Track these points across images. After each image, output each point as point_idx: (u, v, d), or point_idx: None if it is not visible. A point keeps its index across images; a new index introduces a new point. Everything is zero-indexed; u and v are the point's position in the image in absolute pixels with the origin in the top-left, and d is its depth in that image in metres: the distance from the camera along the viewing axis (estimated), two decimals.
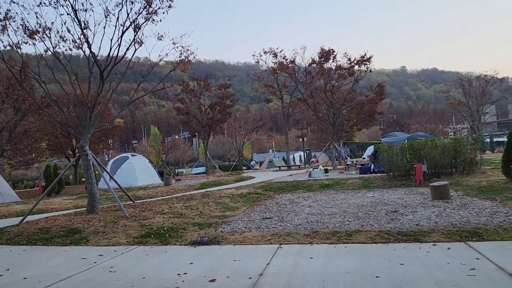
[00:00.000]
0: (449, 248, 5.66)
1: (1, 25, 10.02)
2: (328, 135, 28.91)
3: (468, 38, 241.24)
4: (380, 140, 21.55)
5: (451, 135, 39.91)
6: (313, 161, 34.63)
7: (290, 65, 32.55)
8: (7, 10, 10.05)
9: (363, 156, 43.50)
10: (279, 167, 35.71)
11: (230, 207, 11.27)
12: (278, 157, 47.35)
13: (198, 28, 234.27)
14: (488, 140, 41.15)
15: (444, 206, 9.24)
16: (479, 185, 12.38)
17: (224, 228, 8.17)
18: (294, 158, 45.87)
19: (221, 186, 18.96)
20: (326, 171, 21.37)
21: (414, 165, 14.87)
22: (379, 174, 17.89)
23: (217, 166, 40.38)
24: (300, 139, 49.48)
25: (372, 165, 20.42)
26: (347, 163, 23.93)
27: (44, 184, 23.08)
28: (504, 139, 18.06)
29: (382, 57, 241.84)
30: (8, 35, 10.23)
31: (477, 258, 5.07)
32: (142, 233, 7.79)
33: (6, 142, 25.94)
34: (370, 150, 35.75)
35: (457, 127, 52.92)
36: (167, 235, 7.64)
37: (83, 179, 28.40)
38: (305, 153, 44.64)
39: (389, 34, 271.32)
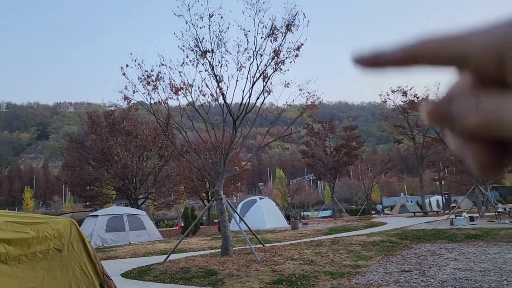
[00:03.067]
0: None
1: (153, 85, 11.52)
2: (472, 177, 25.85)
3: None
4: None
5: None
6: (453, 206, 31.17)
7: (422, 103, 30.59)
8: (158, 72, 11.55)
9: None
10: (414, 212, 32.93)
11: (362, 256, 10.60)
12: (411, 201, 43.87)
13: (321, 69, 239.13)
14: None
15: None
16: None
17: (358, 280, 7.64)
18: (430, 203, 42.00)
19: (351, 232, 18.12)
20: (471, 219, 18.91)
21: None
22: None
23: (344, 210, 39.13)
24: (437, 182, 45.30)
25: None
26: (498, 210, 20.85)
27: (182, 224, 25.04)
28: None
29: None
30: (158, 93, 11.69)
31: None
32: (274, 279, 7.72)
33: (151, 185, 29.18)
34: None
35: None
36: (298, 283, 7.43)
37: (215, 220, 30.16)
38: (443, 198, 40.55)
39: None
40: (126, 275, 9.31)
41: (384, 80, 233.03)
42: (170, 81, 11.71)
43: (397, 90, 32.75)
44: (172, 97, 12.04)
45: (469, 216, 18.93)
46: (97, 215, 19.52)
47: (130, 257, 12.80)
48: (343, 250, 11.32)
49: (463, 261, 9.43)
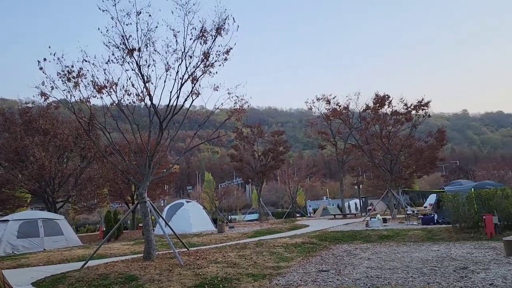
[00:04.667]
0: None
1: (74, 82, 10.91)
2: (386, 182, 27.79)
3: None
4: (443, 188, 20.31)
5: None
6: (369, 209, 33.25)
7: (343, 111, 32.33)
8: (80, 68, 10.96)
9: (424, 205, 41.20)
10: (334, 215, 34.62)
11: (284, 258, 10.94)
12: (333, 205, 46.08)
13: (251, 75, 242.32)
14: None
15: None
16: None
17: (279, 281, 7.88)
18: (349, 206, 44.42)
19: (275, 235, 18.58)
20: (384, 220, 20.34)
21: (484, 217, 13.73)
22: (443, 225, 16.72)
23: (270, 213, 39.96)
24: (356, 186, 48.03)
25: (435, 215, 19.17)
26: (408, 212, 22.66)
27: (104, 229, 23.90)
28: None
29: (441, 100, 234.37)
30: (79, 91, 11.09)
31: None
32: (196, 282, 7.69)
33: (72, 188, 27.48)
34: (431, 198, 33.81)
35: None
36: (221, 286, 7.48)
37: (140, 224, 29.17)
38: (361, 201, 43.11)
39: (448, 78, 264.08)
40: (38, 284, 8.69)
41: (311, 88, 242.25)
42: (93, 79, 11.19)
43: (321, 98, 34.33)
44: (96, 96, 11.50)
45: (382, 218, 20.35)
46: (7, 220, 17.94)
47: (44, 265, 11.95)
48: (266, 252, 11.58)
49: (376, 260, 10.12)
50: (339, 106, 32.70)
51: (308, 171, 50.70)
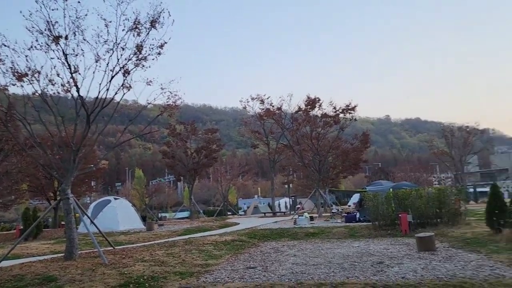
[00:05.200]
0: None
1: None
2: (314, 182, 28.92)
3: (451, 89, 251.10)
4: (365, 188, 21.62)
5: (435, 184, 40.35)
6: (298, 207, 34.38)
7: (277, 111, 33.09)
8: None
9: (348, 204, 43.41)
10: (264, 213, 35.31)
11: (213, 255, 10.98)
12: (264, 203, 46.96)
13: (186, 72, 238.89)
14: (471, 190, 41.69)
15: (430, 258, 9.15)
16: (464, 236, 12.37)
17: (206, 278, 7.91)
18: (279, 205, 45.55)
19: (205, 233, 18.55)
20: (311, 218, 21.18)
21: (399, 215, 14.85)
22: (364, 223, 17.79)
23: (201, 211, 39.76)
24: (286, 185, 49.38)
25: (358, 213, 20.34)
26: (333, 211, 23.83)
27: (22, 227, 22.26)
28: (487, 189, 18.26)
29: (367, 105, 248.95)
30: None
31: None
32: (121, 282, 7.47)
33: None
34: (355, 198, 35.76)
35: (441, 176, 53.59)
36: (146, 284, 7.35)
37: (62, 222, 27.52)
38: (290, 200, 44.40)
39: (374, 83, 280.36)
40: None
41: (245, 88, 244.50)
42: (13, 65, 10.40)
43: (256, 98, 34.84)
44: (15, 84, 10.70)
45: (309, 216, 21.17)
46: None
47: None
48: (195, 250, 11.55)
49: (301, 256, 10.52)
50: (273, 106, 33.42)
51: (240, 170, 51.17)
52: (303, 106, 30.94)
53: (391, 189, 17.35)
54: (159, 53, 11.63)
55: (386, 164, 79.60)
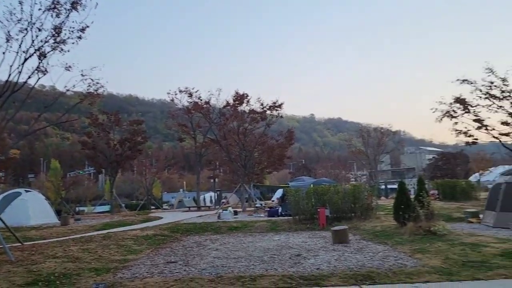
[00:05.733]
0: None
1: None
2: (239, 176, 29.26)
3: (370, 92, 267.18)
4: (288, 184, 22.33)
5: (352, 181, 42.89)
6: (223, 202, 34.57)
7: (205, 105, 32.88)
8: None
9: (272, 199, 44.55)
10: (189, 207, 34.97)
11: (133, 250, 10.68)
12: (189, 197, 46.44)
13: (112, 60, 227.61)
14: (383, 187, 44.92)
15: (343, 250, 9.75)
16: (374, 229, 13.34)
17: (124, 274, 7.69)
18: (204, 199, 45.41)
19: (126, 227, 17.92)
20: (235, 213, 21.43)
21: (318, 210, 15.61)
22: (286, 217, 18.40)
23: (123, 205, 38.30)
24: (212, 180, 49.36)
25: (280, 208, 20.98)
26: (256, 205, 24.32)
27: None
28: (396, 186, 19.83)
29: (293, 103, 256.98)
30: None
31: None
32: (28, 280, 7.00)
33: None
34: (279, 193, 36.78)
35: (357, 173, 57.14)
36: (57, 282, 6.96)
37: None
38: (216, 194, 44.43)
39: (300, 83, 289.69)
40: None
41: (174, 79, 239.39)
42: None
43: (184, 91, 34.32)
44: None
45: (233, 211, 21.41)
46: None
47: None
48: (113, 245, 11.14)
49: (223, 250, 10.63)
50: (201, 100, 33.16)
51: (166, 163, 50.10)
52: (231, 101, 31.11)
53: (311, 185, 18.13)
54: (80, 37, 11.02)
55: (309, 161, 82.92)
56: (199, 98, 33.17)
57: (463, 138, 19.43)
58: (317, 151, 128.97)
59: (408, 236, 11.16)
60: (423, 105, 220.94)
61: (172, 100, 36.11)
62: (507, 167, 25.08)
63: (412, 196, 13.46)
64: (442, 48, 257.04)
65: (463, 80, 18.37)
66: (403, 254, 8.91)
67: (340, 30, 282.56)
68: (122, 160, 33.71)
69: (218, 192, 45.55)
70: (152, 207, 43.96)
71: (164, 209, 43.08)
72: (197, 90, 33.75)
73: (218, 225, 16.59)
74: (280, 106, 30.39)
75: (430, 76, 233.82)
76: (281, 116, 31.48)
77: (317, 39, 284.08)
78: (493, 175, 31.52)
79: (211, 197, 46.18)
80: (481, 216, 14.97)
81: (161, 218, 23.69)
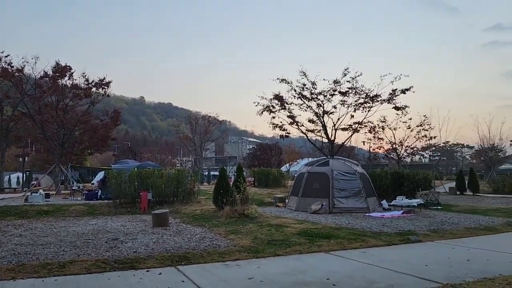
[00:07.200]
0: (160, 273, 6.10)
1: None
2: (56, 156, 26.42)
3: (199, 82, 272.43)
4: (111, 166, 21.35)
5: (178, 166, 43.45)
6: (33, 184, 30.72)
7: (16, 73, 28.42)
8: None
9: (92, 182, 41.78)
10: None
11: None
12: None
13: None
14: (206, 173, 46.92)
15: (162, 233, 9.92)
16: (194, 213, 13.94)
17: None
18: (10, 180, 39.61)
19: None
20: (47, 196, 19.36)
21: (140, 193, 15.42)
22: (106, 201, 17.57)
23: None
24: (21, 159, 43.27)
25: (100, 191, 19.90)
26: (73, 188, 22.45)
27: None
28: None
29: (123, 84, 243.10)
30: None
31: (183, 281, 5.68)
32: None
33: None
34: (100, 175, 34.69)
35: (183, 159, 58.18)
36: None
37: None
38: (24, 175, 39.14)
39: (131, 63, 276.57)
40: None
41: None
42: None
43: None
44: None
45: (45, 193, 19.34)
46: None
47: None
48: None
49: (29, 236, 9.57)
50: (12, 67, 28.52)
51: None
52: (50, 73, 27.71)
53: (135, 168, 17.75)
54: None
55: (135, 144, 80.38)
56: (9, 64, 28.46)
57: (278, 132, 21.89)
58: (144, 135, 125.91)
59: (225, 219, 12.06)
60: (249, 98, 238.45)
61: None
62: (310, 159, 29.28)
63: (231, 183, 14.54)
64: (268, 47, 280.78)
65: (282, 80, 20.64)
66: (218, 235, 9.59)
67: (183, 19, 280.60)
68: None
69: (28, 172, 40.27)
70: None
71: None
72: (8, 55, 28.92)
73: (24, 209, 14.76)
74: (107, 84, 28.52)
75: (258, 73, 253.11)
76: (108, 95, 29.60)
77: (156, 20, 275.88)
78: (299, 165, 36.25)
79: (18, 177, 40.54)
80: (287, 201, 17.17)
81: None
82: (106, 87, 28.45)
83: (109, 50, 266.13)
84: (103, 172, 28.60)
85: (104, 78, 28.48)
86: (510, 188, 26.47)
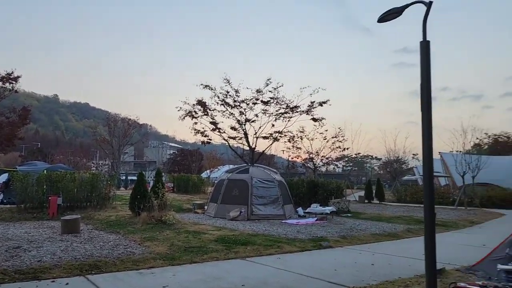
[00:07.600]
0: (67, 284, 5.77)
1: None
2: None
3: (119, 83, 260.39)
4: (17, 168, 19.63)
5: (93, 170, 41.15)
6: None
7: None
8: None
9: None
10: None
11: None
12: None
13: None
14: (124, 178, 44.99)
15: (72, 240, 9.36)
16: (108, 219, 13.33)
17: None
18: None
19: None
20: None
21: (49, 198, 14.38)
22: (8, 206, 16.09)
23: None
24: None
25: (2, 195, 18.18)
26: None
27: None
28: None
29: (34, 79, 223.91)
30: None
31: None
32: None
33: None
34: (3, 178, 31.71)
35: (99, 163, 55.22)
36: None
37: None
38: None
39: (45, 58, 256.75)
40: None
41: None
42: None
43: None
44: None
45: None
46: None
47: None
48: None
49: None
50: None
51: None
52: None
53: (45, 171, 16.52)
54: None
55: (46, 145, 74.56)
56: None
57: (200, 137, 21.76)
58: (57, 136, 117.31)
59: (141, 226, 11.71)
60: (171, 102, 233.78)
61: None
62: (231, 166, 29.50)
63: (150, 188, 14.16)
64: (193, 53, 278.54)
65: (205, 86, 20.62)
66: (133, 242, 9.29)
67: (112, 18, 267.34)
68: None
69: None
70: None
71: None
72: None
73: None
74: (15, 79, 26.23)
75: (181, 78, 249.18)
76: (16, 91, 27.24)
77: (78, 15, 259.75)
78: (220, 172, 36.34)
79: None
80: (206, 207, 17.13)
81: None
82: (14, 82, 26.17)
83: (21, 43, 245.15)
84: (6, 174, 26.09)
85: (12, 72, 26.20)
86: (411, 197, 29.13)
